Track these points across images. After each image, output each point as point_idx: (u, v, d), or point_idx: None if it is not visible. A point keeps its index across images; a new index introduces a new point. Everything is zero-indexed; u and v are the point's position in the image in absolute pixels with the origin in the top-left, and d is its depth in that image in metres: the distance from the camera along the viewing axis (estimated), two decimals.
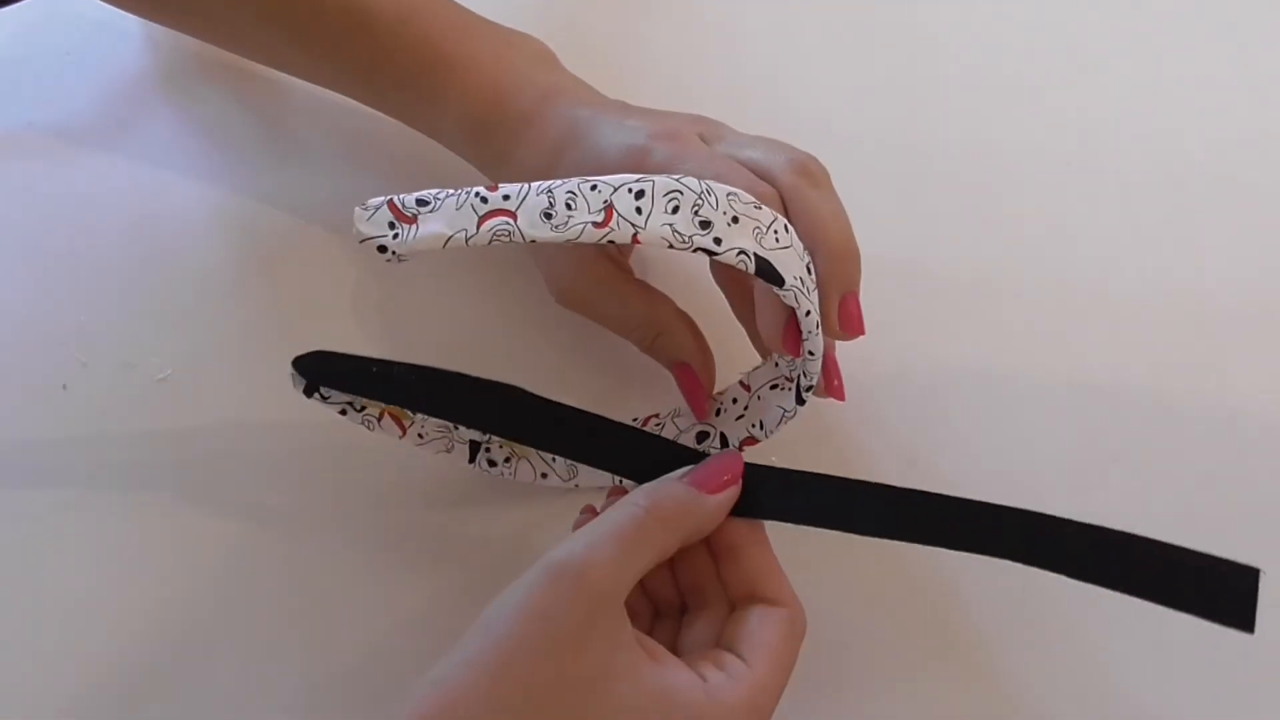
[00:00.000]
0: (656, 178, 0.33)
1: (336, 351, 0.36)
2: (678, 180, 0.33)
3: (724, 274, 0.42)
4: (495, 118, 0.41)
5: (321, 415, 0.39)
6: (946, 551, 0.35)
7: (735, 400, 0.42)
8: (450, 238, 0.33)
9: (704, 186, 0.33)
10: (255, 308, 0.46)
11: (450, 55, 0.42)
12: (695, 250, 0.33)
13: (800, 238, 0.36)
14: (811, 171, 0.38)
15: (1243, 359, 0.47)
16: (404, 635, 0.40)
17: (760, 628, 0.34)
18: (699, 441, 0.42)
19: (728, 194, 0.33)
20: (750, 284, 0.39)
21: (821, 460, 0.44)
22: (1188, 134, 0.53)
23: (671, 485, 0.35)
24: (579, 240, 0.32)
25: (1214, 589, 0.34)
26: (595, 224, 0.32)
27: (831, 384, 0.39)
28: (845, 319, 0.37)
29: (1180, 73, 0.56)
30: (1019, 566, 0.34)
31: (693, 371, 0.41)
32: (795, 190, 0.37)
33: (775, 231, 0.34)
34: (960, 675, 0.40)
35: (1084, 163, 0.52)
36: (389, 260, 0.33)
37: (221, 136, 0.50)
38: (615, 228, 0.32)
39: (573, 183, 0.33)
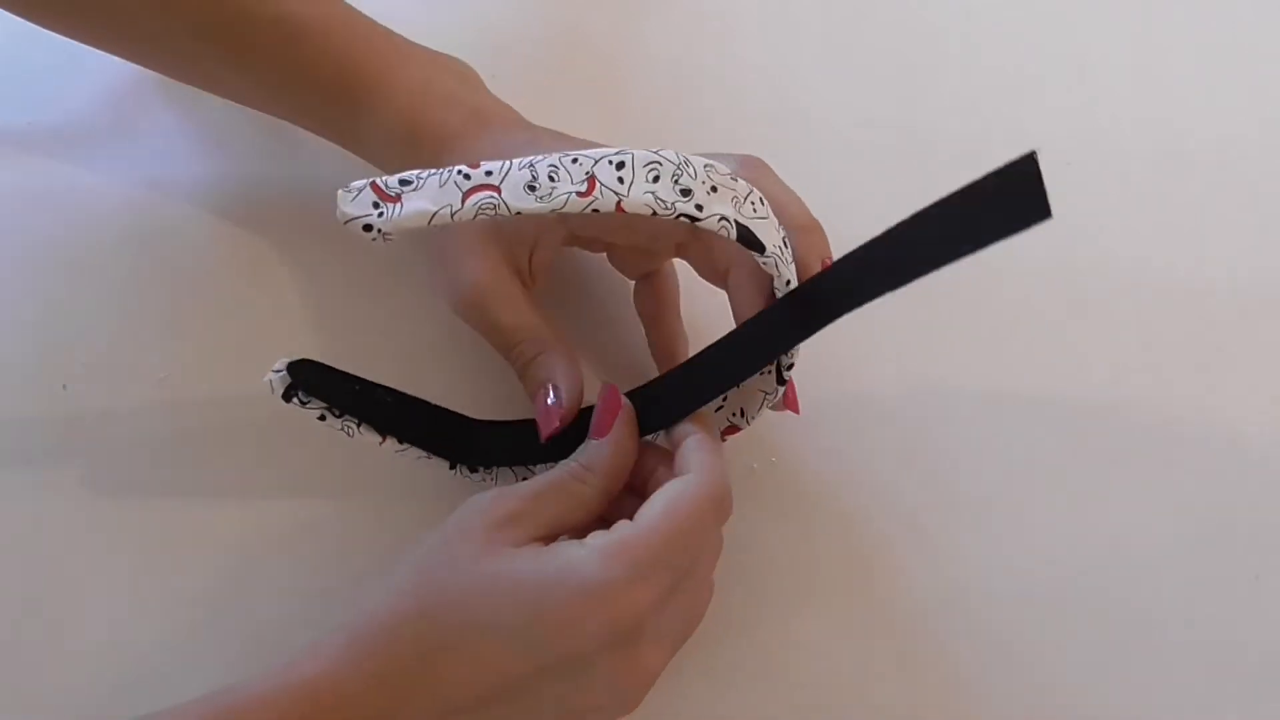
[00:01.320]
0: (636, 150, 0.34)
1: (322, 363, 0.37)
2: (656, 152, 0.34)
3: (646, 304, 0.43)
4: (423, 132, 0.41)
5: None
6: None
7: None
8: (435, 213, 0.33)
9: (682, 158, 0.34)
10: (255, 308, 0.46)
11: (379, 70, 0.42)
12: (678, 217, 0.33)
13: None
14: (761, 164, 0.39)
15: (1243, 359, 0.47)
16: None
17: (655, 496, 0.35)
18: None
19: (705, 164, 0.34)
20: (668, 314, 0.41)
21: (822, 463, 0.44)
22: (1189, 133, 0.53)
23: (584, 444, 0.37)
24: (564, 210, 0.33)
25: (1010, 198, 0.34)
26: (579, 194, 0.33)
27: (790, 399, 0.39)
28: None
29: (1181, 71, 0.56)
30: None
31: (555, 395, 0.41)
32: (753, 178, 0.38)
33: (752, 202, 0.35)
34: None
35: (1084, 162, 0.52)
36: (374, 240, 0.33)
37: (222, 137, 0.50)
38: (599, 196, 0.33)
39: (554, 156, 0.34)
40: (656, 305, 0.43)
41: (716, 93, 0.53)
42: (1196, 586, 0.42)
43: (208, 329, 0.46)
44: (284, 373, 0.37)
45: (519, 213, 0.33)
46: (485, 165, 0.34)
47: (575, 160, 0.33)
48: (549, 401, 0.40)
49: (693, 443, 0.37)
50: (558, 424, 0.40)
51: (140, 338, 0.45)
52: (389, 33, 0.44)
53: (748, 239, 0.34)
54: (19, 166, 0.49)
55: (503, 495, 0.35)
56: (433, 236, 0.41)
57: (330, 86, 0.42)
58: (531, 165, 0.33)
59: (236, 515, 0.42)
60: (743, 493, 0.42)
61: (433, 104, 0.42)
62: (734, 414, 0.40)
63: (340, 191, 0.34)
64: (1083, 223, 0.50)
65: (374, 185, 0.34)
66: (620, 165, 0.33)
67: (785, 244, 0.36)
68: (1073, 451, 0.45)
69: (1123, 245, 0.50)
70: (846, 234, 0.48)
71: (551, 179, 0.33)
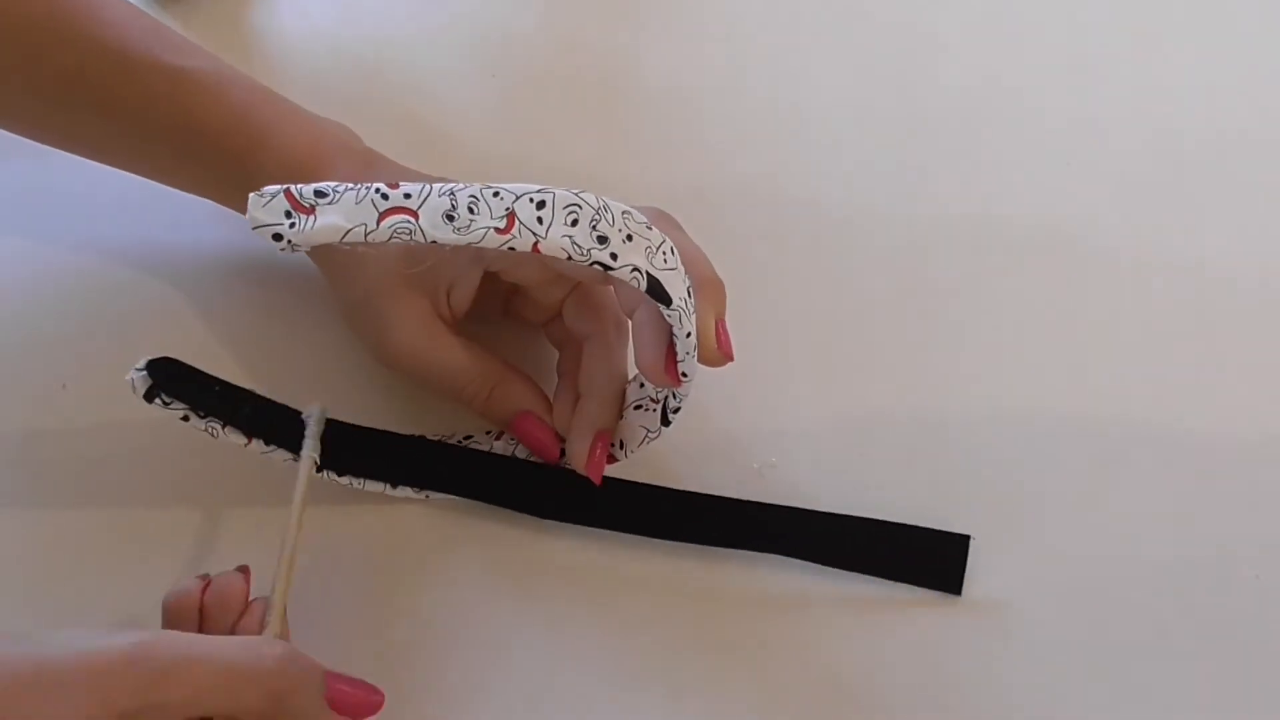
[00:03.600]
0: (557, 190, 0.33)
1: (182, 363, 0.37)
2: (577, 194, 0.33)
3: (560, 333, 0.42)
4: (320, 179, 0.39)
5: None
6: None
7: None
8: (349, 231, 0.32)
9: (601, 202, 0.33)
10: (255, 308, 0.46)
11: (266, 119, 0.42)
12: (592, 264, 0.33)
13: None
14: (670, 219, 0.39)
15: (1243, 358, 0.47)
16: (406, 629, 0.40)
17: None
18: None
19: (622, 212, 0.34)
20: (581, 344, 0.41)
21: (821, 465, 0.44)
22: (1191, 131, 0.53)
23: (313, 678, 0.34)
24: (480, 244, 0.32)
25: (934, 559, 0.41)
26: (498, 229, 0.32)
27: (722, 345, 0.38)
28: (722, 341, 0.37)
29: (1183, 69, 0.56)
30: None
31: (536, 417, 0.41)
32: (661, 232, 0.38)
33: (664, 253, 0.34)
34: None
35: (1084, 162, 0.52)
36: (283, 250, 0.33)
37: None
38: (517, 235, 0.32)
39: (475, 187, 0.33)
40: (564, 333, 0.42)
41: (716, 95, 0.53)
42: (1196, 586, 0.42)
43: (208, 328, 0.46)
44: (145, 372, 0.36)
45: (434, 242, 0.32)
46: (404, 187, 0.33)
47: (497, 194, 0.33)
48: (537, 426, 0.40)
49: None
50: (559, 447, 0.40)
51: (140, 337, 0.45)
52: (268, 89, 0.43)
53: (656, 291, 0.33)
54: (19, 166, 0.49)
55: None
56: (353, 283, 0.41)
57: (224, 137, 0.41)
58: (452, 194, 0.33)
59: (237, 515, 0.42)
60: (743, 492, 0.42)
61: (328, 152, 0.41)
62: (615, 445, 0.41)
63: (253, 196, 0.33)
64: (1083, 221, 0.50)
65: (288, 193, 0.33)
66: (540, 205, 0.33)
67: (689, 294, 0.36)
68: (1073, 453, 0.45)
69: (1123, 243, 0.50)
70: (842, 226, 0.48)
71: (471, 210, 0.32)
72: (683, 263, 0.36)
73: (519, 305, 0.43)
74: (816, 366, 0.46)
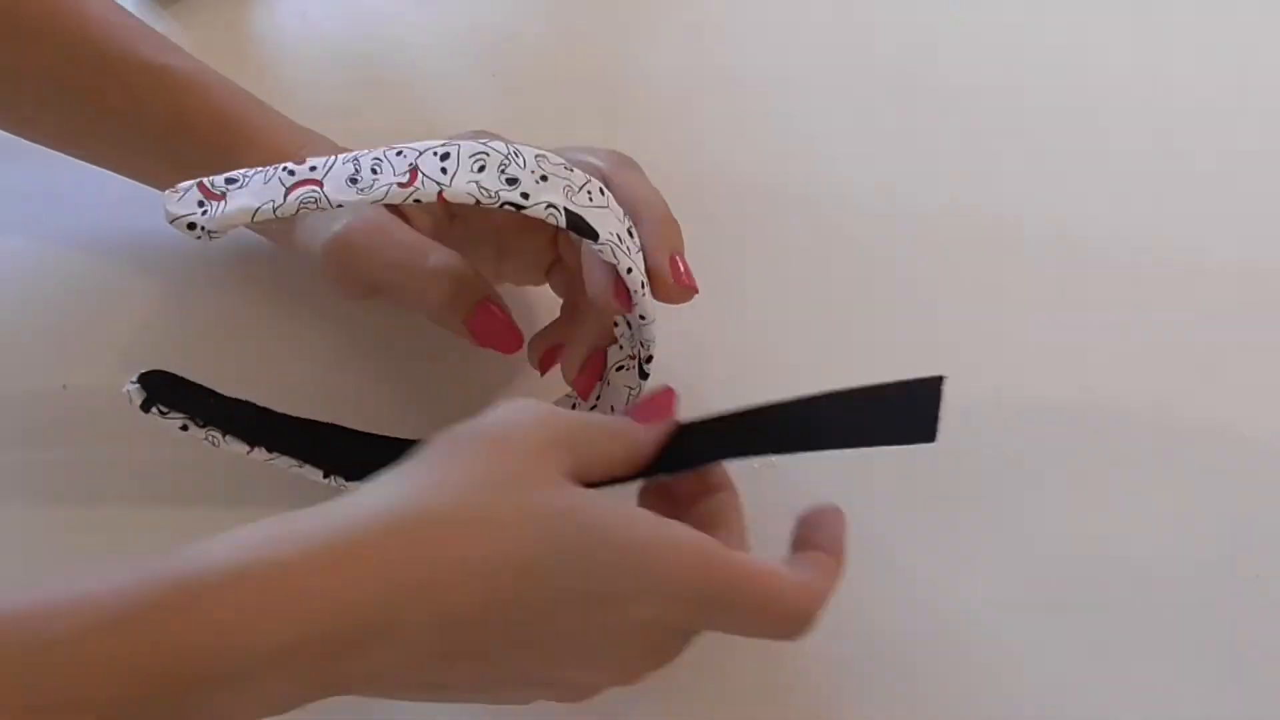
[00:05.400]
0: (462, 142, 0.33)
1: (175, 375, 0.37)
2: (484, 143, 0.33)
3: (564, 282, 0.41)
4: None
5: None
6: None
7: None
8: (258, 209, 0.33)
9: (512, 149, 0.34)
10: (255, 307, 0.46)
11: (251, 119, 0.42)
12: (502, 205, 0.33)
13: (624, 209, 0.37)
14: (627, 160, 0.39)
15: (1244, 355, 0.47)
16: None
17: (807, 558, 0.34)
18: None
19: (535, 154, 0.34)
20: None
21: (821, 463, 0.44)
22: (1191, 128, 0.53)
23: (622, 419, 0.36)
24: (385, 201, 0.33)
25: (909, 410, 0.36)
26: (400, 184, 0.33)
27: (679, 278, 0.37)
28: (676, 275, 0.36)
29: (1183, 66, 0.56)
30: None
31: (495, 306, 0.40)
32: (615, 172, 0.37)
33: (589, 191, 0.34)
34: None
35: (1083, 159, 0.52)
36: (199, 238, 0.34)
37: None
38: (420, 186, 0.32)
39: (379, 150, 0.34)
40: (571, 281, 0.41)
41: (716, 94, 0.53)
42: (1196, 585, 0.42)
43: (208, 328, 0.46)
44: (139, 385, 0.37)
45: (339, 205, 0.33)
46: (310, 161, 0.34)
47: (400, 153, 0.33)
48: (498, 315, 0.39)
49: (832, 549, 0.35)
50: (520, 339, 0.39)
51: (140, 337, 0.45)
52: (255, 97, 0.44)
53: (578, 225, 0.33)
54: (19, 166, 0.49)
55: (556, 413, 0.32)
56: (301, 232, 0.41)
57: (212, 135, 0.42)
58: (356, 159, 0.33)
59: (238, 515, 0.42)
60: (743, 493, 0.42)
61: (306, 145, 0.42)
62: (608, 410, 0.41)
63: (166, 192, 0.34)
64: (1081, 221, 0.50)
65: (200, 185, 0.34)
66: (445, 156, 0.33)
67: (631, 234, 0.36)
68: (1076, 451, 0.45)
69: (1121, 241, 0.50)
70: (840, 225, 0.48)
71: (374, 171, 0.33)
72: (638, 203, 0.36)
73: (511, 268, 0.42)
74: (816, 366, 0.46)
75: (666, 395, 0.37)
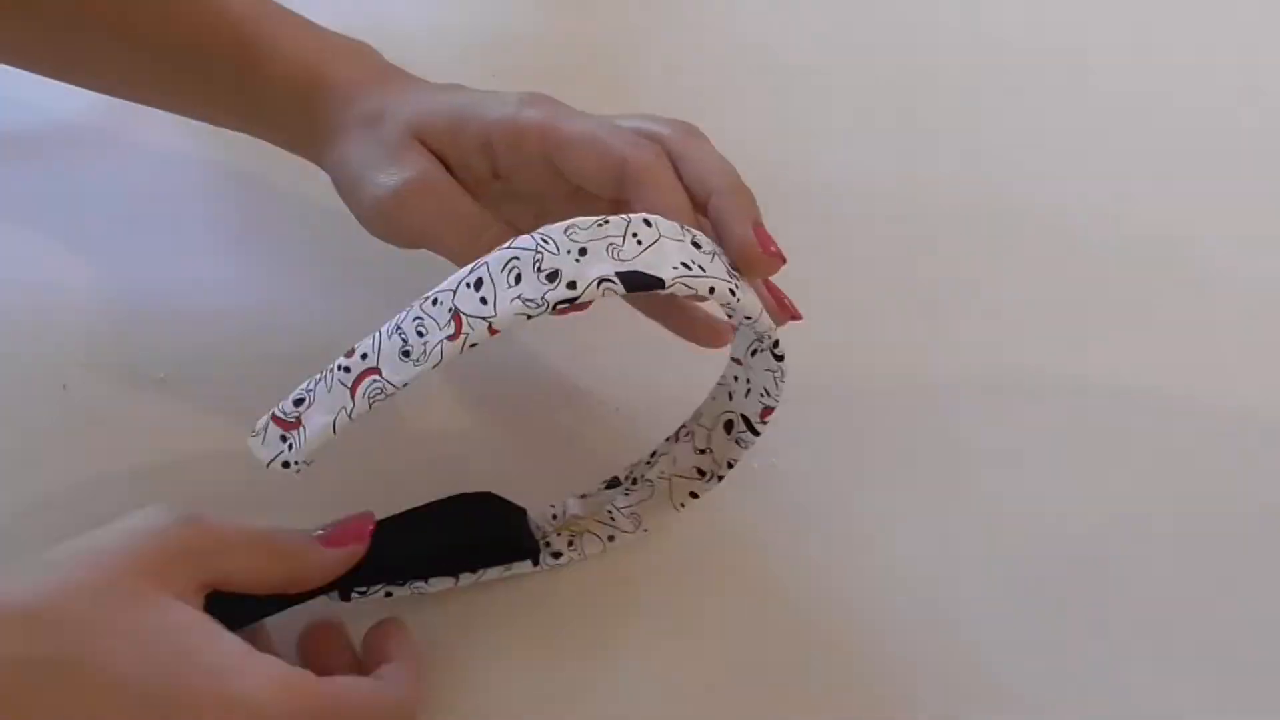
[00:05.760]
0: (489, 257, 0.31)
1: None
2: (509, 248, 0.31)
3: (639, 301, 0.41)
4: (326, 82, 0.40)
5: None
6: None
7: (737, 378, 0.40)
8: (335, 423, 0.32)
9: (538, 238, 0.31)
10: (255, 307, 0.46)
11: (279, 27, 0.41)
12: (555, 308, 0.31)
13: (693, 185, 0.36)
14: (696, 131, 0.38)
15: (1244, 348, 0.47)
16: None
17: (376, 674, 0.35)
18: (727, 431, 0.40)
19: (565, 229, 0.32)
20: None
21: (821, 462, 0.44)
22: (1191, 125, 0.54)
23: (301, 533, 0.36)
24: (444, 363, 0.31)
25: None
26: (449, 338, 0.31)
27: (784, 309, 0.38)
28: (765, 245, 0.35)
29: (1184, 65, 0.56)
30: None
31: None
32: (682, 144, 0.36)
33: (634, 234, 0.32)
34: None
35: (1082, 155, 0.53)
36: (298, 473, 0.33)
37: (223, 135, 0.50)
38: (470, 331, 0.31)
39: (414, 308, 0.32)
40: (643, 301, 0.41)
41: (717, 92, 0.54)
42: (1195, 579, 0.42)
43: (207, 328, 0.46)
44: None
45: (405, 385, 0.32)
46: (358, 348, 0.32)
47: (435, 301, 0.32)
48: None
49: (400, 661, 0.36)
50: None
51: (140, 337, 0.45)
52: (283, 7, 0.42)
53: (639, 283, 0.31)
54: (19, 166, 0.49)
55: (188, 524, 0.32)
56: (341, 165, 0.40)
57: (228, 44, 0.41)
58: (399, 329, 0.32)
59: (237, 515, 0.42)
60: (743, 492, 0.42)
61: (338, 56, 0.41)
62: (762, 394, 0.39)
63: (250, 439, 0.33)
64: (1080, 219, 0.50)
65: (274, 418, 0.33)
66: (478, 284, 0.31)
67: (698, 245, 0.33)
68: (1077, 446, 0.45)
69: (1121, 238, 0.50)
70: (841, 222, 0.48)
71: (420, 334, 0.32)
72: (709, 176, 0.35)
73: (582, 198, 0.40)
74: (817, 365, 0.46)
75: (363, 520, 0.36)
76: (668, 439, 0.42)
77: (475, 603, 0.40)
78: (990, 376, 0.46)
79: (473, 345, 0.31)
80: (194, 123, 0.50)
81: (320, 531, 0.36)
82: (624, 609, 0.41)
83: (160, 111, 0.50)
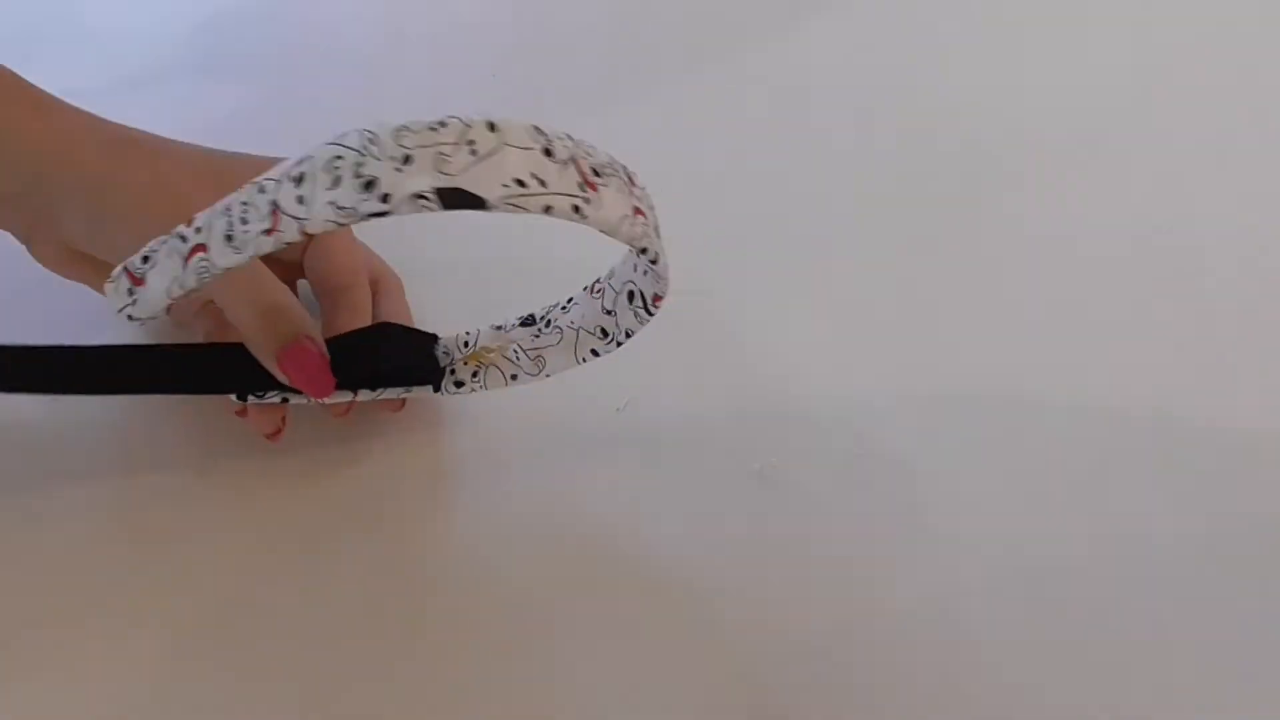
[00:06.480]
0: (318, 150, 0.29)
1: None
2: (337, 144, 0.29)
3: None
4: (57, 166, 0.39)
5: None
6: None
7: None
8: (168, 290, 0.32)
9: (366, 138, 0.29)
10: None
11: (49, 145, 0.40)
12: (367, 218, 0.28)
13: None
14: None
15: (1245, 355, 0.47)
16: (410, 628, 0.40)
17: None
18: (629, 301, 0.38)
19: (396, 130, 0.28)
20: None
21: (821, 464, 0.44)
22: (1191, 132, 0.53)
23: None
24: (260, 254, 0.30)
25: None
26: (265, 231, 0.29)
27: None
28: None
29: (1186, 72, 0.56)
30: None
31: (312, 347, 0.39)
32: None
33: (470, 141, 0.28)
34: None
35: (1083, 158, 0.52)
36: (141, 325, 0.34)
37: (223, 136, 0.50)
38: (283, 230, 0.29)
39: (244, 191, 0.30)
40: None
41: (717, 91, 0.53)
42: (1196, 584, 0.42)
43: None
44: None
45: (227, 269, 0.31)
46: (197, 219, 0.31)
47: (262, 189, 0.30)
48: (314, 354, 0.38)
49: None
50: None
51: (140, 337, 0.45)
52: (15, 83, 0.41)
53: (458, 201, 0.28)
54: None
55: None
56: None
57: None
58: (228, 210, 0.31)
59: (237, 515, 0.42)
60: (743, 492, 0.42)
61: (71, 147, 0.40)
62: (655, 280, 0.36)
63: (107, 285, 0.33)
64: (1080, 218, 0.50)
65: (126, 270, 0.33)
66: (299, 179, 0.29)
67: (549, 155, 0.29)
68: (1076, 450, 0.45)
69: (1121, 238, 0.50)
70: (846, 235, 0.48)
71: (244, 220, 0.30)
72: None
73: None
74: (817, 364, 0.46)
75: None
76: (584, 288, 0.40)
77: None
78: (992, 380, 0.46)
79: (286, 244, 0.29)
80: (199, 122, 0.51)
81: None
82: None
83: (165, 112, 0.51)
